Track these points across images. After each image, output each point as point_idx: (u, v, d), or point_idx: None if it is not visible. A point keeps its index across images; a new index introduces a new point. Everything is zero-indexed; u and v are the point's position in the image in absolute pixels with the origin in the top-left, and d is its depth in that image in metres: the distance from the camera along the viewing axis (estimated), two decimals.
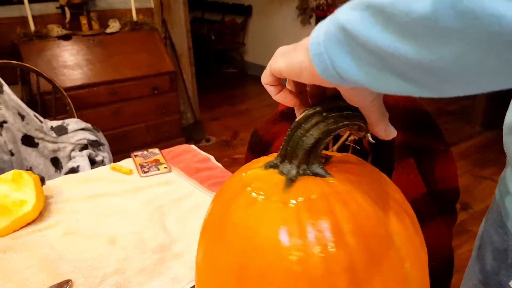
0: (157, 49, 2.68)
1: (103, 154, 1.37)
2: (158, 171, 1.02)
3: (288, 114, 1.00)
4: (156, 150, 1.13)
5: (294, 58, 0.37)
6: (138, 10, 2.66)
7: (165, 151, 1.14)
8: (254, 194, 0.41)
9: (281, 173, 0.43)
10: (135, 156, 1.10)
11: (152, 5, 2.79)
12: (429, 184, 0.85)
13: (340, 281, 0.36)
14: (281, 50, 0.41)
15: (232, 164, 2.69)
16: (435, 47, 0.25)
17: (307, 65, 0.35)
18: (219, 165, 1.07)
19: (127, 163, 1.07)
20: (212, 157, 1.10)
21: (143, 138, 2.63)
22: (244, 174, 0.45)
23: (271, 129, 1.03)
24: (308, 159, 0.43)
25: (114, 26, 2.53)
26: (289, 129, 0.44)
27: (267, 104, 3.94)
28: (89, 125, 1.40)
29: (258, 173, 0.44)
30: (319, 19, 3.73)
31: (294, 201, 0.39)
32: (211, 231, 0.45)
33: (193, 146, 1.18)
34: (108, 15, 2.60)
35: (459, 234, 1.98)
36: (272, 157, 0.47)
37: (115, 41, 2.53)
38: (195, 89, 3.26)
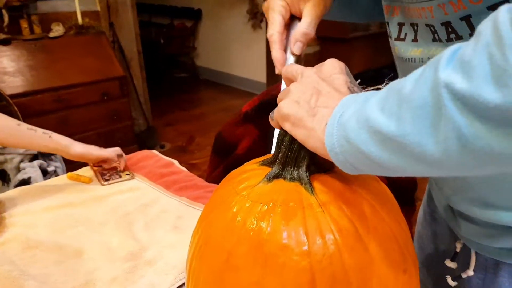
0: (105, 54, 2.58)
1: (55, 164, 1.29)
2: (120, 179, 0.98)
3: (252, 116, 1.00)
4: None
5: (309, 137, 0.37)
6: (84, 13, 2.55)
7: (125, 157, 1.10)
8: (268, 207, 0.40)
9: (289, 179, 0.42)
10: (94, 164, 1.05)
11: (98, 8, 2.69)
12: (388, 178, 0.88)
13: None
14: (294, 97, 0.39)
15: (190, 170, 2.63)
16: (438, 167, 0.29)
17: (321, 151, 0.37)
18: (184, 169, 1.05)
19: (85, 171, 1.02)
20: (176, 162, 1.07)
21: None
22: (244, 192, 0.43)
23: (235, 131, 1.03)
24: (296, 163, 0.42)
25: (57, 30, 2.42)
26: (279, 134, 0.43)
27: (222, 108, 3.92)
28: None
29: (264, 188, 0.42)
30: None
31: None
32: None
33: (154, 151, 1.15)
34: (51, 18, 2.48)
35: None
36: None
37: (60, 46, 2.42)
38: (146, 94, 3.18)
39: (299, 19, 0.52)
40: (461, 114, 0.25)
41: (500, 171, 0.27)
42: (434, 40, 0.42)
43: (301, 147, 0.40)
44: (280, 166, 0.43)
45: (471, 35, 0.36)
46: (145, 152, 1.13)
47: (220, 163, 1.05)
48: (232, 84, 4.58)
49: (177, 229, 0.79)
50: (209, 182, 0.99)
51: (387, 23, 0.49)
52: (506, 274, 0.51)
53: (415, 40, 0.45)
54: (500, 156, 0.25)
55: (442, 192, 0.56)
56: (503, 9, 0.24)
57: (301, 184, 0.41)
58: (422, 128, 0.27)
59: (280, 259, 0.36)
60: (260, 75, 4.15)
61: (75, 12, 2.48)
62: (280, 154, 0.43)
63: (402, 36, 0.47)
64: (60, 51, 2.41)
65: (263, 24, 3.92)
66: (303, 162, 0.42)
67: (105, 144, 2.62)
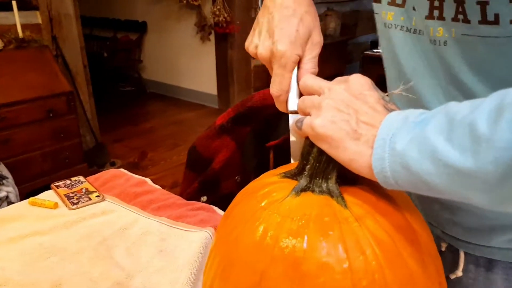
0: (50, 68, 2.43)
1: (7, 188, 1.18)
2: (90, 201, 0.91)
3: (228, 128, 0.97)
4: (81, 178, 1.01)
5: (353, 160, 0.37)
6: (24, 26, 2.39)
7: (91, 178, 1.03)
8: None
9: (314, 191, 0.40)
10: (57, 186, 0.96)
11: (40, 21, 2.53)
12: None
13: None
14: (328, 115, 0.38)
15: None
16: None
17: (366, 172, 0.36)
18: (158, 187, 0.99)
19: (48, 195, 0.94)
20: (148, 180, 1.02)
21: (40, 167, 2.35)
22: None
23: (211, 144, 1.00)
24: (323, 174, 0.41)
25: None
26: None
27: (172, 122, 3.84)
28: None
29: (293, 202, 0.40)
30: (218, 36, 3.76)
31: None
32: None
33: (122, 169, 1.08)
34: None
35: None
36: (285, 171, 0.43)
37: None
38: (93, 110, 3.04)
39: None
40: None
41: None
42: (428, 16, 0.43)
43: (330, 158, 0.39)
44: (308, 178, 0.41)
45: (480, 22, 0.38)
46: (112, 171, 1.06)
47: (195, 178, 1.01)
48: (182, 97, 4.51)
49: (163, 253, 0.74)
50: (184, 198, 0.95)
51: None
52: (500, 271, 0.51)
53: (413, 8, 0.46)
54: None
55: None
56: None
57: (332, 197, 0.39)
58: (505, 167, 0.27)
59: (320, 279, 0.34)
60: (210, 87, 4.12)
61: (14, 25, 2.32)
62: (308, 166, 0.41)
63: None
64: (0, 66, 2.23)
65: (211, 37, 3.91)
66: (332, 174, 0.40)
67: (52, 164, 2.47)
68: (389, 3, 0.49)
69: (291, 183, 0.42)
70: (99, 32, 5.11)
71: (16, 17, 2.30)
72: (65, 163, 2.50)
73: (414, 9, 0.46)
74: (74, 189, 0.95)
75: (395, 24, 0.49)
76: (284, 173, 0.44)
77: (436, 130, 0.31)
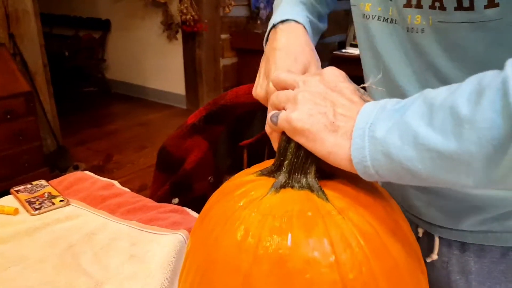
0: (7, 67, 2.32)
1: None
2: (53, 206, 0.85)
3: (200, 127, 0.94)
4: (43, 182, 0.96)
5: (332, 153, 0.36)
6: None
7: (54, 181, 0.97)
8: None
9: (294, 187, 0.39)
10: (17, 191, 0.90)
11: None
12: None
13: None
14: (305, 108, 0.37)
15: None
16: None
17: (345, 165, 0.36)
18: (127, 189, 0.95)
19: (7, 201, 0.88)
20: (116, 182, 0.97)
21: None
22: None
23: (182, 144, 0.96)
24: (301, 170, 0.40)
25: None
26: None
27: (138, 123, 3.75)
28: None
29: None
30: (186, 34, 3.70)
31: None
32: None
33: (88, 172, 1.03)
34: None
35: None
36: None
37: None
38: (54, 111, 2.91)
39: None
40: None
41: None
42: (406, 4, 0.43)
43: (309, 153, 0.38)
44: (287, 174, 0.40)
45: (456, 8, 0.38)
46: (77, 174, 1.01)
47: (166, 180, 0.98)
48: (148, 97, 4.41)
49: (135, 258, 0.70)
50: (155, 200, 0.91)
51: None
52: (472, 254, 0.53)
53: None
54: None
55: None
56: None
57: (312, 191, 0.38)
58: (489, 148, 0.27)
59: (307, 275, 0.33)
60: (178, 88, 4.05)
61: None
62: (286, 162, 0.40)
63: None
64: None
65: (179, 35, 3.84)
66: (311, 168, 0.39)
67: (11, 168, 2.35)
68: None
69: (269, 181, 0.41)
70: (59, 31, 4.93)
71: None
72: (24, 167, 2.39)
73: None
74: (35, 194, 0.90)
75: (372, 15, 0.50)
76: (261, 171, 0.43)
77: (416, 116, 0.31)
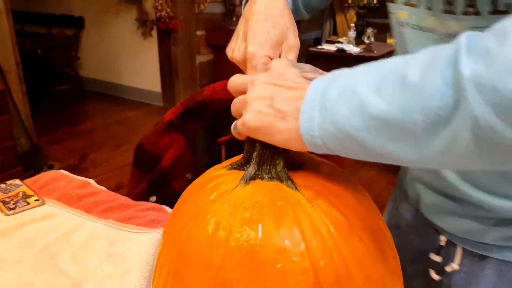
0: None
1: None
2: (28, 206, 0.84)
3: (177, 124, 0.94)
4: (18, 181, 0.94)
5: (289, 140, 0.37)
6: None
7: (29, 180, 0.95)
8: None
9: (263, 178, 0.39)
10: None
11: None
12: None
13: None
14: (254, 107, 0.38)
15: None
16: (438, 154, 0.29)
17: (301, 145, 0.36)
18: (103, 188, 0.94)
19: None
20: (92, 181, 0.96)
21: None
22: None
23: (159, 141, 0.96)
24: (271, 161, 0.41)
25: None
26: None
27: (114, 122, 3.70)
28: None
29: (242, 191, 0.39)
30: (161, 31, 3.67)
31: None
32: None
33: (63, 171, 1.02)
34: None
35: None
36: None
37: None
38: (28, 110, 2.85)
39: None
40: (484, 108, 0.25)
41: (504, 168, 0.29)
42: (442, 11, 0.43)
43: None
44: (256, 166, 0.41)
45: (490, 13, 0.38)
46: (52, 173, 1.00)
47: (143, 178, 0.97)
48: (123, 95, 4.35)
49: (112, 257, 0.70)
50: (132, 199, 0.91)
51: None
52: (492, 266, 0.52)
53: (428, 7, 0.46)
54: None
55: (429, 185, 0.57)
56: None
57: (282, 181, 0.39)
58: (434, 117, 0.27)
59: (279, 264, 0.34)
60: (154, 85, 4.01)
61: None
62: (255, 154, 0.41)
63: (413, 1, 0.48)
64: None
65: (153, 32, 3.81)
66: (280, 159, 0.40)
67: None
68: (403, 3, 0.50)
69: (239, 174, 0.41)
70: (31, 28, 4.81)
71: None
72: None
73: (428, 8, 0.46)
74: (10, 194, 0.88)
75: (407, 23, 0.50)
76: (230, 164, 0.44)
77: (365, 84, 0.31)
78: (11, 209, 0.82)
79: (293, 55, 0.50)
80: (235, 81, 0.43)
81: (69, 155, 3.01)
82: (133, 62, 4.13)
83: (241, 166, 0.43)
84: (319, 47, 3.62)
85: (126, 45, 4.10)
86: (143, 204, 0.87)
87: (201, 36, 3.88)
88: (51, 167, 2.78)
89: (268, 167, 0.40)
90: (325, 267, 0.34)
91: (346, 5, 3.96)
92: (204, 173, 0.46)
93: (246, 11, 0.54)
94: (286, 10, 0.52)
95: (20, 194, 0.88)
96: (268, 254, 0.34)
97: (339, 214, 0.37)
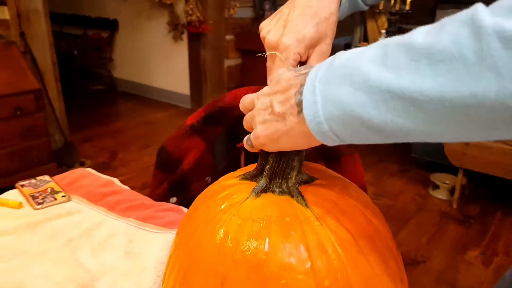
0: (17, 65, 2.36)
1: None
2: (55, 201, 0.89)
3: (198, 128, 0.97)
4: (47, 177, 0.99)
5: (293, 138, 0.37)
6: None
7: (57, 177, 1.01)
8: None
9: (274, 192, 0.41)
10: (22, 186, 0.94)
11: (8, 17, 2.46)
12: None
13: None
14: (259, 119, 0.39)
15: None
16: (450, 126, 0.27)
17: (310, 141, 0.36)
18: (126, 187, 0.98)
19: (12, 195, 0.91)
20: (116, 180, 1.01)
21: (6, 166, 2.28)
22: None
23: (181, 144, 0.99)
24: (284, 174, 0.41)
25: None
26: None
27: (144, 122, 3.79)
28: None
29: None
30: (191, 35, 3.74)
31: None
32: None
33: (90, 169, 1.07)
34: None
35: None
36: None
37: None
38: (62, 108, 2.96)
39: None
40: (510, 65, 0.23)
41: None
42: None
43: (289, 158, 0.40)
44: (268, 179, 0.41)
45: None
46: (79, 171, 1.05)
47: (164, 179, 1.01)
48: (153, 97, 4.45)
49: (130, 254, 0.73)
50: (153, 199, 0.94)
51: None
52: None
53: None
54: None
55: None
56: None
57: (292, 197, 0.40)
58: (450, 80, 0.25)
59: (283, 280, 0.34)
60: (183, 87, 4.09)
61: None
62: (268, 167, 0.42)
63: None
64: None
65: (184, 36, 3.88)
66: (292, 173, 0.41)
67: (20, 163, 2.40)
68: None
69: (251, 185, 0.42)
70: (69, 30, 5.00)
71: None
72: (33, 162, 2.44)
73: None
74: (39, 189, 0.93)
75: None
76: (243, 175, 0.44)
77: (368, 59, 0.29)
78: (39, 203, 0.87)
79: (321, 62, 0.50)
80: (244, 102, 0.44)
81: (100, 153, 3.11)
82: (164, 65, 4.22)
83: (253, 177, 0.44)
84: None
85: (158, 48, 4.19)
86: (163, 204, 0.90)
87: (230, 40, 3.93)
88: (82, 164, 2.89)
89: (279, 181, 0.41)
90: (330, 287, 0.34)
91: (377, 11, 3.91)
92: (218, 180, 0.48)
93: None
94: (334, 16, 0.51)
95: (49, 189, 0.93)
96: (273, 269, 0.34)
97: (347, 234, 0.37)
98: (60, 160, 2.73)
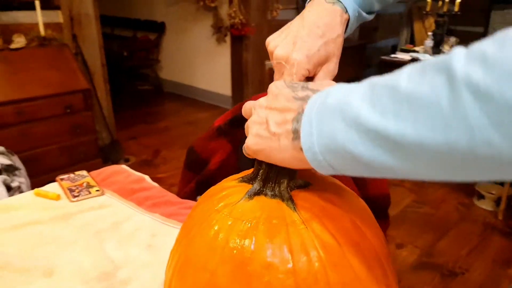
0: (69, 66, 2.52)
1: (20, 179, 1.25)
2: (89, 195, 0.95)
3: (225, 130, 1.01)
4: (84, 172, 1.06)
5: (285, 158, 0.38)
6: (46, 25, 2.49)
7: (94, 172, 1.08)
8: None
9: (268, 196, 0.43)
10: (61, 179, 1.02)
11: (61, 20, 2.63)
12: (362, 191, 0.91)
13: None
14: (253, 131, 0.41)
15: None
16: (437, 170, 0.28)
17: (302, 164, 0.37)
18: (156, 184, 1.04)
19: (52, 187, 0.99)
20: (147, 177, 1.06)
21: (56, 161, 2.44)
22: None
23: (208, 145, 1.03)
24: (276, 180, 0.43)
25: (19, 41, 2.34)
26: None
27: (186, 122, 3.90)
28: (2, 148, 1.27)
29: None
30: (234, 38, 3.81)
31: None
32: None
33: (124, 166, 1.13)
34: (12, 29, 2.40)
35: None
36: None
37: (21, 57, 2.34)
38: (110, 107, 3.12)
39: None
40: (479, 115, 0.24)
41: (501, 178, 0.27)
42: None
43: (281, 167, 0.41)
44: (261, 183, 0.43)
45: None
46: (114, 168, 1.11)
47: (192, 178, 1.05)
48: (197, 97, 4.57)
49: (152, 248, 0.78)
50: (181, 197, 0.99)
51: None
52: None
53: None
54: (508, 165, 0.25)
55: None
56: None
57: (283, 200, 0.42)
58: (427, 127, 0.26)
59: (265, 278, 0.37)
60: (225, 88, 4.17)
61: (37, 24, 2.41)
62: (261, 171, 0.44)
63: None
64: (22, 63, 2.33)
65: (227, 38, 3.95)
66: (284, 178, 0.43)
67: (68, 158, 2.55)
68: None
69: (247, 187, 0.44)
70: (120, 32, 5.23)
71: (39, 16, 2.39)
72: (80, 157, 2.59)
73: None
74: (76, 183, 1.00)
75: None
76: (242, 177, 0.47)
77: (358, 97, 0.31)
78: (75, 196, 0.94)
79: (328, 79, 0.51)
80: (245, 108, 0.46)
81: (143, 151, 3.24)
82: (207, 66, 4.33)
83: (250, 180, 0.46)
84: (392, 55, 3.51)
85: (202, 50, 4.31)
86: (188, 202, 0.94)
87: None
88: (127, 161, 3.03)
89: (272, 185, 0.43)
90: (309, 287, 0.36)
91: (424, 12, 3.80)
92: (221, 182, 0.51)
93: (306, 13, 0.54)
94: (341, 37, 0.53)
95: (85, 184, 1.00)
96: (256, 268, 0.37)
97: (331, 238, 0.38)
98: (106, 157, 2.88)
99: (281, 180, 0.42)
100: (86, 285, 0.67)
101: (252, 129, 0.41)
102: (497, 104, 0.23)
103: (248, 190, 0.43)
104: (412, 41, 4.59)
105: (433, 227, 2.25)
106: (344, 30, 0.55)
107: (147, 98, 4.82)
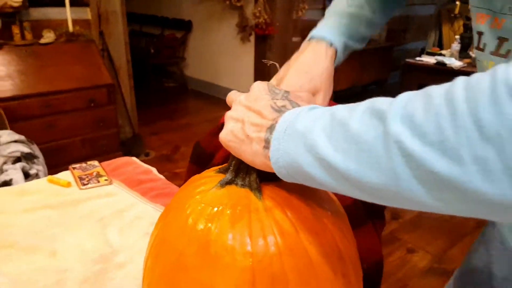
0: (94, 61, 2.61)
1: (38, 167, 1.32)
2: (98, 184, 1.01)
3: None
4: (96, 163, 1.12)
5: (254, 160, 0.41)
6: (75, 21, 2.59)
7: (105, 163, 1.13)
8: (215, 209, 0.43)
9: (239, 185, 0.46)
10: (74, 168, 1.08)
11: (89, 17, 2.73)
12: None
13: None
14: (229, 126, 0.43)
15: (173, 178, 2.64)
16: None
17: (268, 168, 0.40)
18: (162, 177, 1.08)
19: (65, 175, 1.05)
20: (154, 169, 1.11)
21: (78, 152, 2.54)
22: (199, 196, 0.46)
23: (213, 141, 1.06)
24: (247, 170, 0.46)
25: (48, 36, 2.45)
26: None
27: (208, 119, 3.96)
28: (22, 137, 1.35)
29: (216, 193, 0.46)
30: (258, 37, 3.85)
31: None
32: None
33: (134, 158, 1.18)
34: (42, 25, 2.51)
35: (389, 242, 2.11)
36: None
37: (50, 52, 2.44)
38: (133, 103, 3.21)
39: None
40: (404, 169, 0.28)
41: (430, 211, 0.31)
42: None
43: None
44: (233, 173, 0.46)
45: None
46: (124, 159, 1.16)
47: (197, 173, 1.08)
48: (220, 95, 4.63)
49: (149, 235, 0.81)
50: None
51: (478, 32, 0.51)
52: None
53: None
54: (432, 208, 0.29)
55: None
56: (459, 84, 0.26)
57: (251, 190, 0.45)
58: (367, 168, 0.30)
59: (225, 259, 0.40)
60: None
61: (66, 20, 2.51)
62: (234, 162, 0.46)
63: (481, 46, 0.50)
64: (50, 57, 2.43)
65: (251, 38, 3.99)
66: (254, 170, 0.45)
67: (90, 150, 2.64)
68: (491, 53, 0.49)
69: (222, 177, 0.47)
70: (148, 29, 5.35)
71: (68, 13, 2.49)
72: (102, 150, 2.68)
73: None
74: (87, 172, 1.06)
75: None
76: (219, 169, 0.50)
77: (320, 127, 0.34)
78: (84, 184, 0.99)
79: None
80: (229, 96, 0.49)
81: (164, 146, 3.32)
82: (231, 65, 4.38)
83: (225, 171, 0.49)
84: (417, 58, 3.46)
85: (226, 48, 4.36)
86: None
87: (297, 42, 3.97)
88: (147, 155, 3.11)
89: (243, 175, 0.46)
90: (263, 270, 0.39)
91: (453, 15, 3.72)
92: (202, 172, 0.54)
93: (293, 58, 0.58)
94: (327, 70, 0.56)
95: (95, 173, 1.05)
96: (218, 249, 0.40)
97: (290, 225, 0.41)
98: (127, 150, 2.96)
99: (251, 171, 0.45)
100: (84, 266, 0.72)
101: (228, 124, 0.44)
102: (418, 164, 0.27)
103: (220, 180, 0.46)
104: (440, 44, 4.51)
105: (447, 233, 2.21)
106: (332, 63, 0.58)
107: (172, 94, 4.91)
